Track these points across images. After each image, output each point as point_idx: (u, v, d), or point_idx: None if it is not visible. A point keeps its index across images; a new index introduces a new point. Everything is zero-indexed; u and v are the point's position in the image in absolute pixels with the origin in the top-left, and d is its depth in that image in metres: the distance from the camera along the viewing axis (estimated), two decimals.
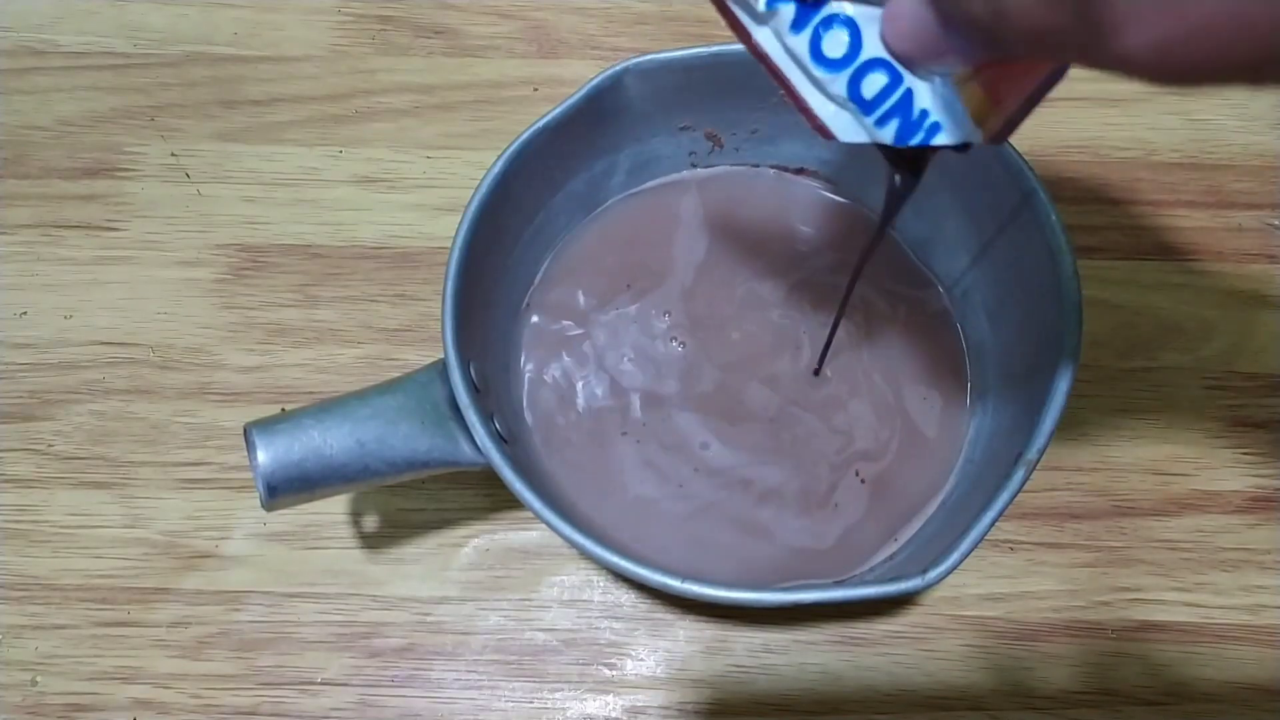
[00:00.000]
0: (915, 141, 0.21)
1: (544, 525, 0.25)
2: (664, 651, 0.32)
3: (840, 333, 0.33)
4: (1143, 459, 0.34)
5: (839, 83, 0.21)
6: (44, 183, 0.38)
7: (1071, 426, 0.34)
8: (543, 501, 0.25)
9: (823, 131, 0.22)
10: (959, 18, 0.17)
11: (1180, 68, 0.14)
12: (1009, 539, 0.33)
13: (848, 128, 0.22)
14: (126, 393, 0.35)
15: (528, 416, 0.32)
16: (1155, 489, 0.34)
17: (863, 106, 0.22)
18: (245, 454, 0.31)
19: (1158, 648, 0.32)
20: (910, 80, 0.21)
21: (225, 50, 0.41)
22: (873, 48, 0.21)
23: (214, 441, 0.34)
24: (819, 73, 0.21)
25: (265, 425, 0.26)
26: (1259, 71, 0.14)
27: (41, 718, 0.31)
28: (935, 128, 0.21)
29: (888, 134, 0.22)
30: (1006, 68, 0.20)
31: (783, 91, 0.22)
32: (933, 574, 0.24)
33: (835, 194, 0.35)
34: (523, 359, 0.33)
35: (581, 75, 0.30)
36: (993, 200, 0.30)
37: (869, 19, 0.20)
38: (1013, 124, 0.20)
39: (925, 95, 0.21)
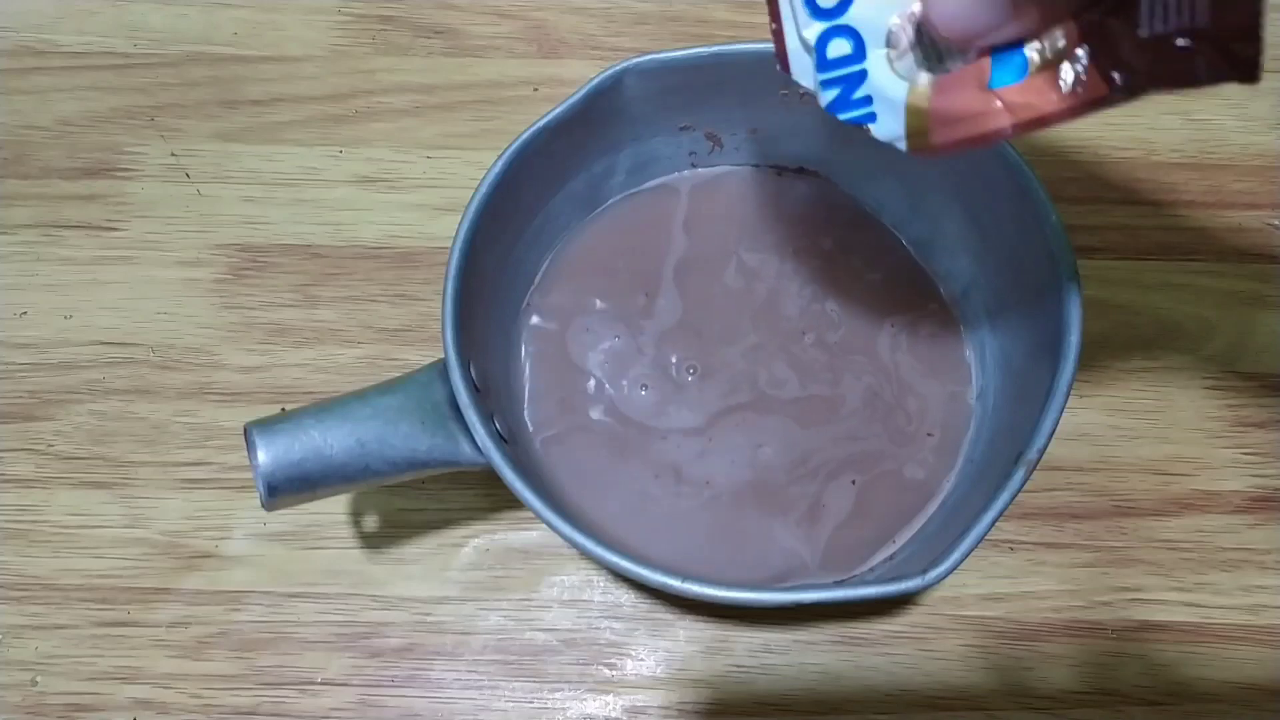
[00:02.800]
0: (844, 118, 0.22)
1: (544, 525, 0.25)
2: (664, 651, 0.32)
3: (839, 334, 0.33)
4: (1143, 459, 0.34)
5: (813, 30, 0.22)
6: (44, 183, 0.38)
7: (1071, 426, 0.34)
8: (543, 501, 0.25)
9: (782, 60, 0.23)
10: None
11: None
12: (1009, 539, 0.33)
13: (803, 70, 0.23)
14: (126, 393, 0.35)
15: (528, 416, 0.32)
16: (1155, 489, 0.34)
17: (820, 62, 0.22)
18: (245, 454, 0.31)
19: (1158, 648, 0.32)
20: (870, 64, 0.21)
21: (225, 50, 0.41)
22: (857, 15, 0.21)
23: (214, 441, 0.34)
24: (803, 12, 0.22)
25: (265, 425, 0.26)
26: None
27: (41, 718, 0.31)
28: (870, 117, 0.22)
29: (826, 97, 0.22)
30: (953, 107, 0.20)
31: (769, 6, 0.23)
32: (933, 574, 0.24)
33: (835, 193, 0.35)
34: (523, 359, 0.33)
35: (581, 75, 0.30)
36: (992, 200, 0.30)
37: None
38: (942, 152, 0.21)
39: (876, 84, 0.22)
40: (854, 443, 0.31)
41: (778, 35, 0.23)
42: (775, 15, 0.23)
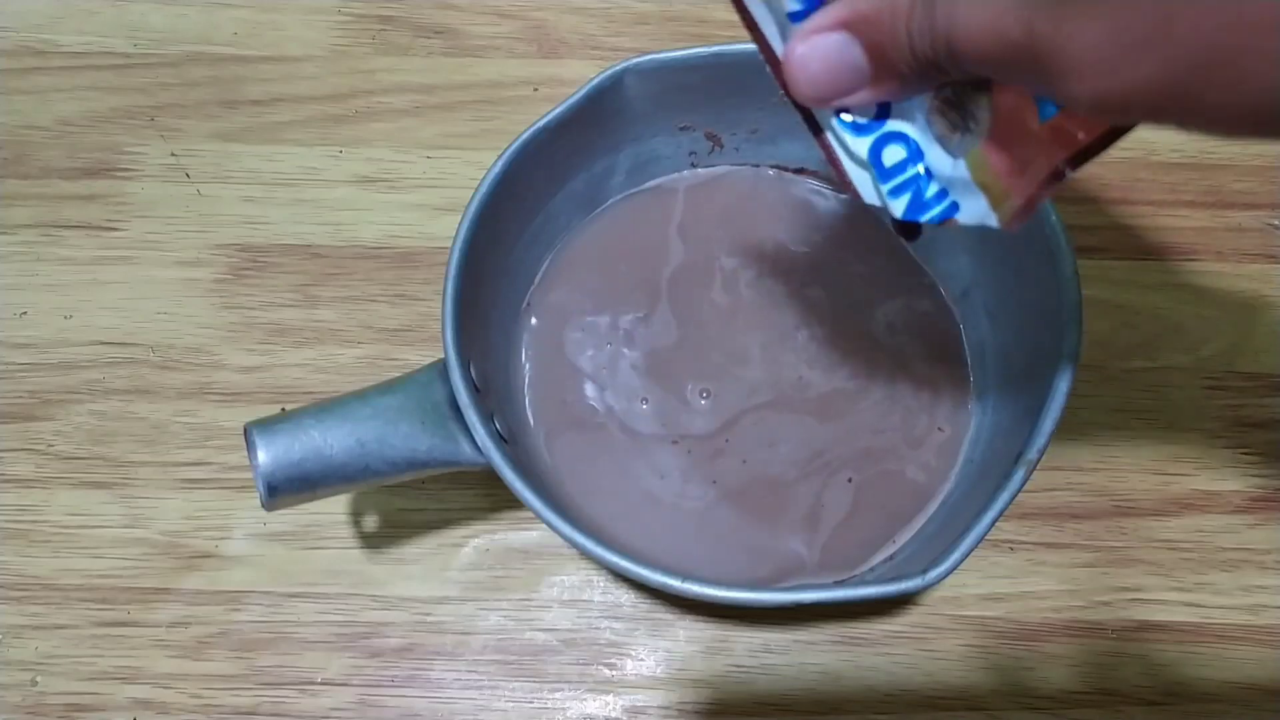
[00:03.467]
0: (926, 218, 0.22)
1: (544, 525, 0.25)
2: (664, 651, 0.32)
3: (839, 333, 0.33)
4: (1143, 459, 0.34)
5: (862, 145, 0.22)
6: (44, 183, 0.38)
7: (1071, 426, 0.34)
8: (543, 501, 0.25)
9: (847, 187, 0.23)
10: (911, 55, 0.18)
11: (1118, 113, 0.16)
12: (1009, 539, 0.33)
13: (867, 188, 0.22)
14: (126, 393, 0.35)
15: (528, 416, 0.32)
16: (1155, 489, 0.34)
17: (880, 173, 0.22)
18: (245, 454, 0.31)
19: (1158, 648, 0.32)
20: (930, 159, 0.21)
21: (225, 50, 0.41)
22: (897, 120, 0.21)
23: (214, 441, 0.34)
24: (847, 135, 0.22)
25: (265, 425, 0.26)
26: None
27: (41, 718, 0.31)
28: (953, 208, 0.21)
29: (898, 206, 0.22)
30: (1015, 158, 0.20)
31: (819, 147, 0.23)
32: (933, 574, 0.24)
33: (835, 193, 0.35)
34: (523, 359, 0.33)
35: (581, 75, 0.30)
36: None
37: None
38: (1030, 208, 0.20)
39: (943, 175, 0.21)
40: (872, 436, 0.31)
41: (835, 165, 0.23)
42: (828, 148, 0.23)
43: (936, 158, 0.21)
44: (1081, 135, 0.19)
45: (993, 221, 0.21)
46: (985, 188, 0.20)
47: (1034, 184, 0.19)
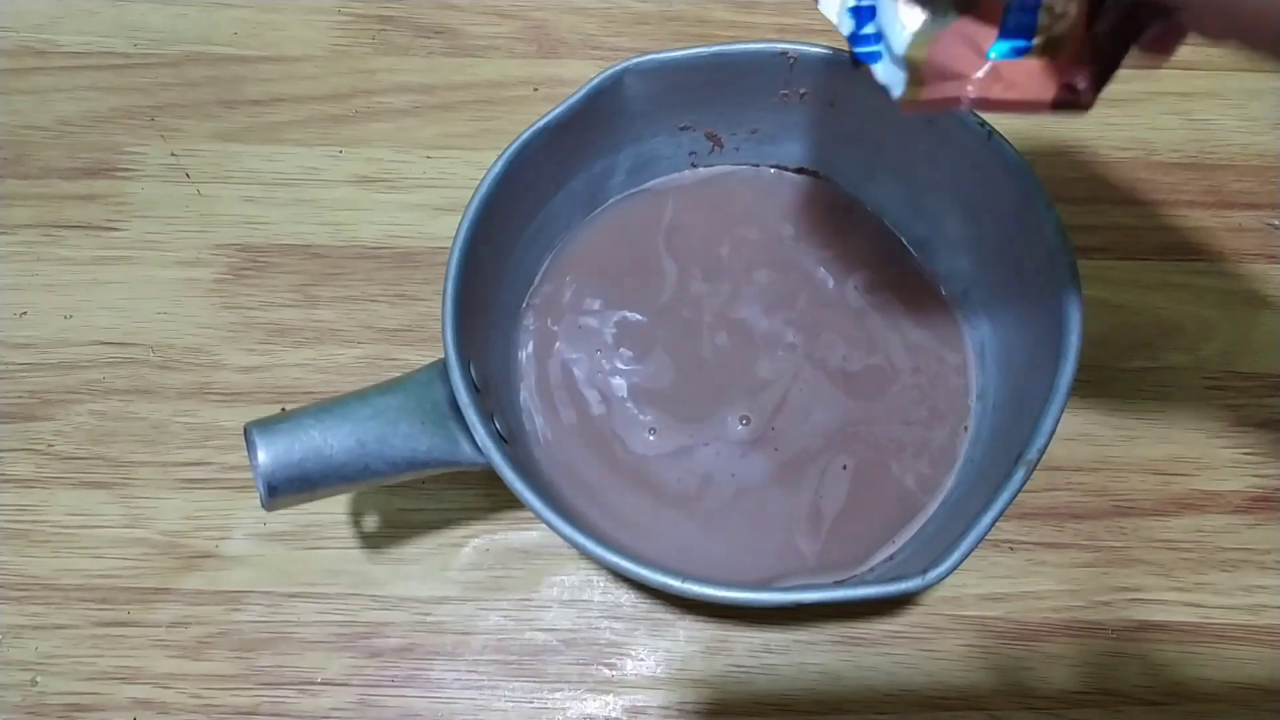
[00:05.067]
0: (857, 51, 0.23)
1: (544, 525, 0.25)
2: (664, 651, 0.32)
3: (838, 335, 0.33)
4: (1143, 459, 0.34)
5: None
6: (44, 183, 0.38)
7: (1071, 426, 0.34)
8: (543, 501, 0.25)
9: None
10: None
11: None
12: (1009, 539, 0.33)
13: (829, 2, 0.24)
14: (126, 393, 0.35)
15: (528, 416, 0.32)
16: (1155, 489, 0.34)
17: None
18: (245, 454, 0.31)
19: (1158, 648, 0.32)
20: (883, 14, 0.22)
21: (225, 50, 0.41)
22: None
23: (214, 441, 0.34)
24: None
25: (265, 425, 0.26)
26: None
27: (41, 718, 0.31)
28: (875, 56, 0.23)
29: (845, 27, 0.24)
30: (948, 65, 0.20)
31: None
32: (933, 574, 0.24)
33: (835, 193, 0.35)
34: (523, 359, 0.33)
35: (581, 75, 0.30)
36: (993, 200, 0.30)
37: None
38: (928, 109, 0.21)
39: (884, 23, 0.22)
40: (853, 442, 0.31)
41: None
42: None
43: (886, 8, 0.22)
44: (1005, 93, 0.20)
45: (896, 92, 0.22)
46: (911, 65, 0.22)
47: (941, 96, 0.21)
